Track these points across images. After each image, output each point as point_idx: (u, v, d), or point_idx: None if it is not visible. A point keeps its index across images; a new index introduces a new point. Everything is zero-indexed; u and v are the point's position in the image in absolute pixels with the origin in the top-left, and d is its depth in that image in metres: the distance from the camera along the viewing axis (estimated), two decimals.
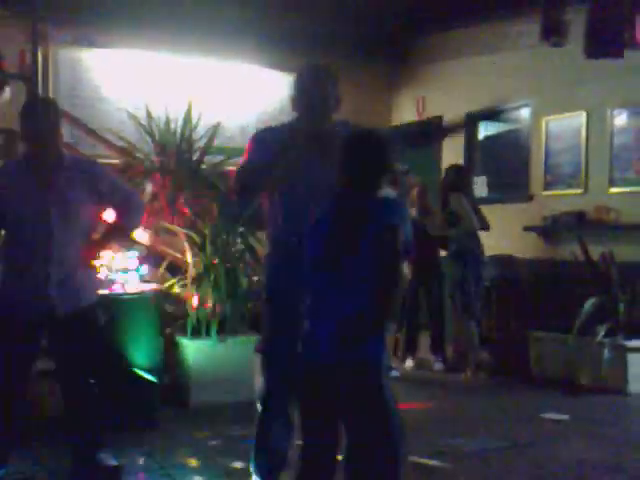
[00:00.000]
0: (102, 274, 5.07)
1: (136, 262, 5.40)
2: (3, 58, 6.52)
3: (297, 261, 2.96)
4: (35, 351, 3.81)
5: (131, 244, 5.58)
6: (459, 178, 7.00)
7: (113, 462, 3.96)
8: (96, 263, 3.96)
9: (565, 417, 5.30)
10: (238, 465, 4.21)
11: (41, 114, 3.67)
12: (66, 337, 3.72)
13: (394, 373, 6.43)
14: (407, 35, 8.93)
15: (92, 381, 3.84)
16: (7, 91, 6.43)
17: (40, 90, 7.10)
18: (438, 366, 7.01)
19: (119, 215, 3.88)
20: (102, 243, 3.91)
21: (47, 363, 3.97)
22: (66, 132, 7.02)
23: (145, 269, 5.48)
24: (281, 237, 3.41)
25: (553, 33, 6.91)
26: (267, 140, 3.42)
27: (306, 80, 3.41)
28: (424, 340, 7.24)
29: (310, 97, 3.37)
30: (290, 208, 3.37)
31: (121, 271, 5.24)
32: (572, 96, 7.25)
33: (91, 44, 7.75)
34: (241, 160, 3.54)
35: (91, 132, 7.12)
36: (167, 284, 5.69)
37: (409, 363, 7.03)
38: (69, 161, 3.75)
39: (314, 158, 3.31)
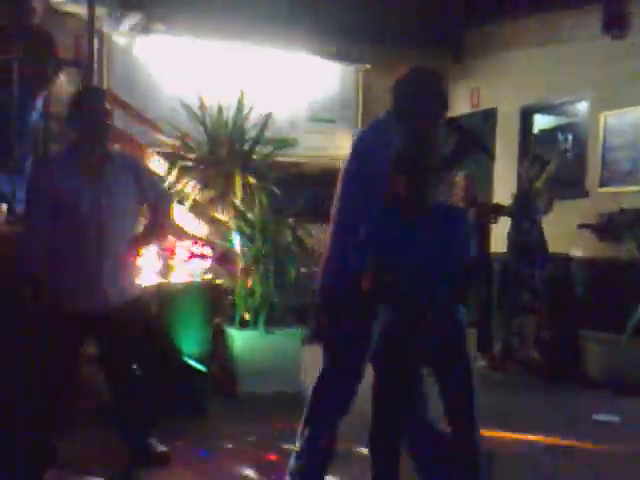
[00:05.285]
0: (153, 265, 5.13)
1: (186, 252, 5.43)
2: (58, 45, 6.56)
3: None
4: (83, 341, 3.85)
5: (182, 235, 5.60)
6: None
7: (162, 448, 4.02)
8: (138, 258, 3.98)
9: (616, 419, 5.20)
10: (283, 456, 4.21)
11: (92, 105, 3.69)
12: (115, 328, 3.75)
13: None
14: (462, 27, 8.82)
15: (138, 370, 3.88)
16: (62, 78, 6.47)
17: (95, 77, 7.16)
18: (482, 363, 6.92)
19: (153, 212, 3.93)
20: (144, 239, 3.94)
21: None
22: (120, 119, 7.17)
23: (195, 259, 5.50)
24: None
25: (615, 25, 6.78)
26: (378, 147, 3.25)
27: (437, 87, 3.36)
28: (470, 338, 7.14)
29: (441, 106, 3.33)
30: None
31: (172, 262, 5.28)
32: (632, 90, 7.06)
33: (146, 31, 7.78)
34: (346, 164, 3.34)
35: (144, 120, 7.16)
36: (216, 275, 5.69)
37: None
38: (115, 154, 3.80)
39: None
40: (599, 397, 5.86)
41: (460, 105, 9.25)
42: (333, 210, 3.33)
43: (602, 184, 7.35)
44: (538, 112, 8.51)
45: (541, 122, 8.57)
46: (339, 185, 3.32)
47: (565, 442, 4.71)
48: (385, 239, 3.13)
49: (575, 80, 7.69)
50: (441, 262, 3.17)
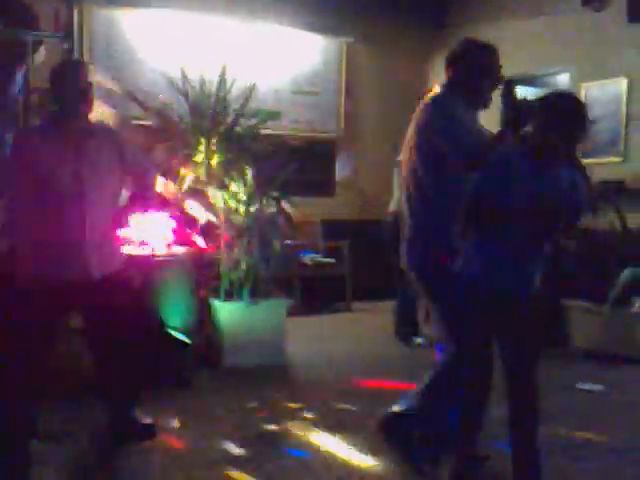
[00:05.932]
0: (136, 237, 5.11)
1: (170, 224, 5.42)
2: (38, 17, 6.50)
3: None
4: (66, 312, 3.84)
5: (165, 206, 5.58)
6: None
7: (147, 420, 4.03)
8: (122, 229, 3.96)
9: (599, 387, 5.25)
10: (268, 427, 4.24)
11: (73, 78, 3.65)
12: (99, 300, 3.73)
13: (419, 340, 6.44)
14: None
15: (123, 342, 3.87)
16: (42, 51, 6.42)
17: (75, 50, 7.10)
18: None
19: (137, 183, 3.93)
20: (127, 210, 3.92)
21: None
22: (101, 93, 7.11)
23: (179, 231, 5.49)
24: None
25: None
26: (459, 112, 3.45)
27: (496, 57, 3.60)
28: None
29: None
30: None
31: (156, 233, 5.26)
32: (613, 62, 7.08)
33: (126, 3, 7.68)
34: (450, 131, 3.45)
35: (126, 93, 7.12)
36: (200, 246, 5.69)
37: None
38: (97, 126, 3.78)
39: None
40: (583, 366, 5.91)
41: (442, 75, 9.23)
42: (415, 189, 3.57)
43: (584, 155, 7.37)
44: (520, 84, 8.50)
45: (523, 94, 8.55)
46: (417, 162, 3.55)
47: (547, 410, 4.75)
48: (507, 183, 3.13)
49: (557, 52, 7.71)
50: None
